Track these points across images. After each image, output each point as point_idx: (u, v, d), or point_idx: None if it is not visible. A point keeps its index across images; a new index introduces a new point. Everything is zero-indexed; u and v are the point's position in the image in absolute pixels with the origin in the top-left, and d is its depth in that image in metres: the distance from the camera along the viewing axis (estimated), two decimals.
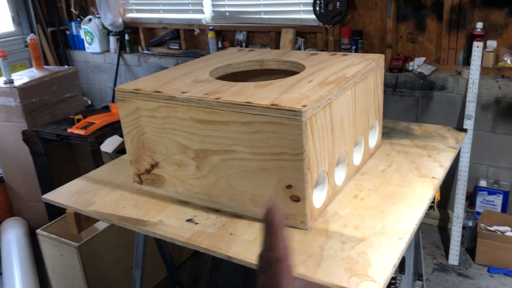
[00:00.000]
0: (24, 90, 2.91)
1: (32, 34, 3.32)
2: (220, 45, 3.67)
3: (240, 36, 3.59)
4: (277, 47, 3.42)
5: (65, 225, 2.28)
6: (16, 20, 4.32)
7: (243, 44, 3.59)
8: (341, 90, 1.37)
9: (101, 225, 2.42)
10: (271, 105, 1.21)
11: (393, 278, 1.32)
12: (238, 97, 1.29)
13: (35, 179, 2.98)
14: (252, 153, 1.29)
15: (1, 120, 3.01)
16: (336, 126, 1.36)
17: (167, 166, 1.49)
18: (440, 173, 1.57)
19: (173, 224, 1.38)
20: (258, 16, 3.51)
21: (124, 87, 1.48)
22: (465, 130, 1.93)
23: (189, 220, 1.39)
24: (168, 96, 1.38)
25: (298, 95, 1.27)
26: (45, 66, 3.31)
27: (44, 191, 2.04)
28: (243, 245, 1.25)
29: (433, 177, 1.54)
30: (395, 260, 1.15)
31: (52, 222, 2.44)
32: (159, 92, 1.40)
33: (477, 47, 2.57)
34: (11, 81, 2.94)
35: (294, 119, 1.18)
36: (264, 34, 3.53)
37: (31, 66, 3.73)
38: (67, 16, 4.52)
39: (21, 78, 3.03)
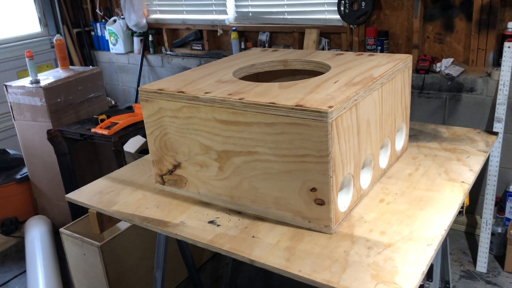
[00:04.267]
0: (50, 90, 2.95)
1: (58, 35, 3.36)
2: (243, 46, 3.66)
3: (263, 37, 3.57)
4: (300, 47, 3.38)
5: (88, 224, 2.29)
6: (43, 21, 4.40)
7: (266, 45, 3.57)
8: (368, 91, 1.33)
9: (123, 225, 2.43)
10: (296, 106, 1.18)
11: (420, 286, 1.27)
12: (262, 97, 1.27)
13: (59, 178, 3.02)
14: (276, 154, 1.26)
15: (27, 119, 3.06)
16: (362, 127, 1.32)
17: (189, 166, 1.48)
18: (470, 177, 1.51)
19: (195, 225, 1.36)
20: (282, 17, 3.49)
21: (147, 87, 1.47)
22: (495, 133, 1.87)
23: (211, 222, 1.37)
24: (191, 96, 1.37)
25: (323, 96, 1.24)
26: (70, 67, 3.35)
27: (68, 190, 2.06)
28: (266, 248, 1.22)
29: (462, 182, 1.48)
30: (423, 268, 1.11)
31: (75, 221, 2.46)
32: (183, 92, 1.39)
33: (508, 47, 2.49)
34: (37, 81, 2.99)
35: (320, 120, 1.15)
36: (287, 35, 3.50)
37: (56, 66, 3.79)
38: (92, 17, 4.59)
39: (47, 78, 3.07)
